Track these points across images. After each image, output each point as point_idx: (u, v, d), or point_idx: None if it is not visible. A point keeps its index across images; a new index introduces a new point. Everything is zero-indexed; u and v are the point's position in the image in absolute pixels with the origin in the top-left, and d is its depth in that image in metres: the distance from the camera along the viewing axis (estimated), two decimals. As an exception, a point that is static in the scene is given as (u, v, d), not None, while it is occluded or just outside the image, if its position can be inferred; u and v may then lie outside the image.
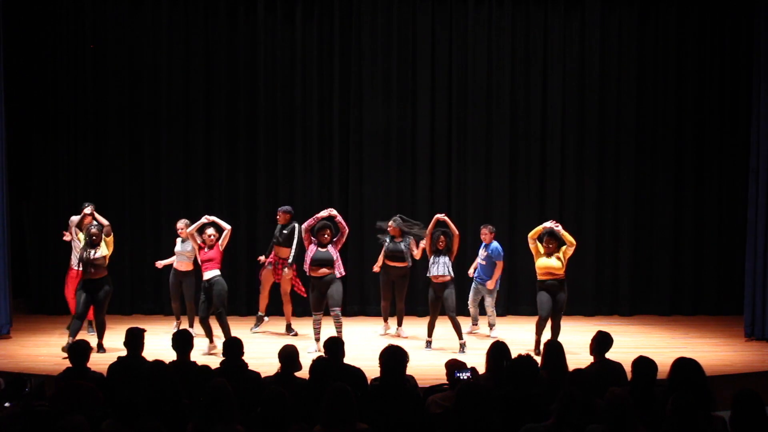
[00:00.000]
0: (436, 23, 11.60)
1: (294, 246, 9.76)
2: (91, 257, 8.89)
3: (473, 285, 10.18)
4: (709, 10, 11.65)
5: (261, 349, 8.81)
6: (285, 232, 9.91)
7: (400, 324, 10.19)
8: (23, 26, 11.24)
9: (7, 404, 5.41)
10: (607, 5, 11.66)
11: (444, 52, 11.64)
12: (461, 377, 5.36)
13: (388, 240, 9.98)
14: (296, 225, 9.85)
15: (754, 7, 10.23)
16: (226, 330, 8.85)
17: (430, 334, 9.37)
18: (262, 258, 10.30)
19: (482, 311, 10.28)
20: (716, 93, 11.70)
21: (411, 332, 10.18)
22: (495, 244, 9.96)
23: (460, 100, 11.67)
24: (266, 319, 10.42)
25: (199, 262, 9.24)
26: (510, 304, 11.55)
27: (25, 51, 11.33)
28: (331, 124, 11.61)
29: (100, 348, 8.84)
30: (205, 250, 9.07)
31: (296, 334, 10.05)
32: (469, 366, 5.66)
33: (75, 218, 9.63)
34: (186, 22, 11.50)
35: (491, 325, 10.13)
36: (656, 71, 11.74)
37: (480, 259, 10.03)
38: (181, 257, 9.94)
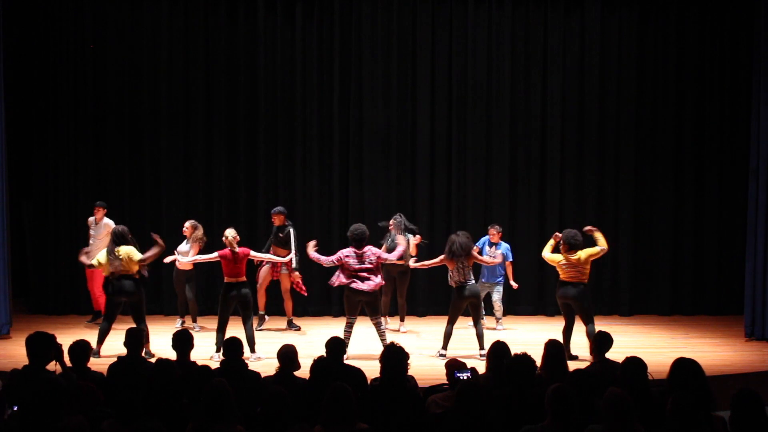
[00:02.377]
0: (436, 23, 11.60)
1: (293, 250, 9.75)
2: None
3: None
4: (709, 10, 11.65)
5: (261, 349, 8.79)
6: (281, 235, 9.95)
7: (402, 320, 10.30)
8: (23, 26, 11.25)
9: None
10: (607, 6, 11.66)
11: (444, 52, 11.64)
12: (461, 377, 5.37)
13: (390, 238, 10.00)
14: (291, 228, 9.87)
15: (754, 7, 10.23)
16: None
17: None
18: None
19: (486, 311, 10.41)
20: (716, 93, 11.70)
21: (410, 328, 10.31)
22: (505, 243, 10.32)
23: (460, 100, 11.68)
24: (267, 318, 10.44)
25: (230, 269, 8.61)
26: (510, 304, 11.55)
27: (25, 51, 11.34)
28: (331, 124, 11.62)
29: (147, 354, 8.33)
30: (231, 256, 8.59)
31: (299, 329, 10.13)
32: (469, 366, 5.67)
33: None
34: (186, 22, 11.50)
35: (498, 320, 10.45)
36: (656, 71, 11.74)
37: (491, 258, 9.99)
38: (185, 257, 9.94)
